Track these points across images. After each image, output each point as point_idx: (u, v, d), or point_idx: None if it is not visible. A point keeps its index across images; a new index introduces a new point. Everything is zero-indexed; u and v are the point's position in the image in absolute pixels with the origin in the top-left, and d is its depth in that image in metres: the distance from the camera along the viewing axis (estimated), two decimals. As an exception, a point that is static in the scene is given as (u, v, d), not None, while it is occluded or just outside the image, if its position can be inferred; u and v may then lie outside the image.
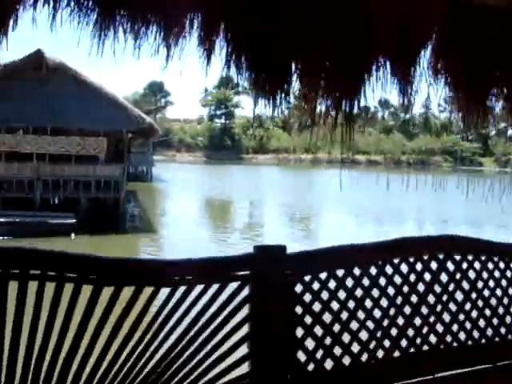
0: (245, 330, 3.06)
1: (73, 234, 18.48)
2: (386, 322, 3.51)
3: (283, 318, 3.15)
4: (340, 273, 3.36)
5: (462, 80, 4.22)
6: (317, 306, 3.28)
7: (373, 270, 3.50)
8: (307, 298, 3.24)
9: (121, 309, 2.75)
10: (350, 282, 3.40)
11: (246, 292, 3.04)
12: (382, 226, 24.67)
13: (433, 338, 3.71)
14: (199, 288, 2.91)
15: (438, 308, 3.76)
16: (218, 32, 3.43)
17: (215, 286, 2.95)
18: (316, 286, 3.26)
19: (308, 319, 3.24)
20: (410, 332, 3.61)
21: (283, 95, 3.61)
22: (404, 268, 3.62)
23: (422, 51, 3.87)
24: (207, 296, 2.93)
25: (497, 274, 4.05)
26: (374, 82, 3.61)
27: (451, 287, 3.83)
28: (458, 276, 3.85)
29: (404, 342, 3.58)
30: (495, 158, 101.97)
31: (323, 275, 3.29)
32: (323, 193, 39.35)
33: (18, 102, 20.43)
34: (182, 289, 2.86)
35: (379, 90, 3.65)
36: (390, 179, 45.83)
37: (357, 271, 3.43)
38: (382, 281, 3.52)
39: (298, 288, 3.21)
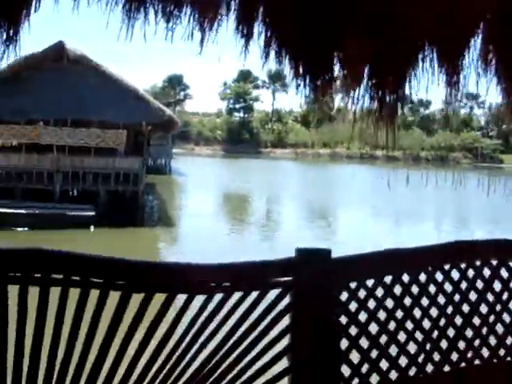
0: (285, 341, 2.79)
1: (92, 227, 18.37)
2: (435, 334, 3.22)
3: (327, 328, 2.86)
4: (388, 279, 3.07)
5: None
6: (362, 316, 2.99)
7: (422, 277, 3.20)
8: (353, 306, 2.96)
9: (152, 317, 2.49)
10: (397, 290, 3.11)
11: (287, 300, 2.76)
12: (406, 223, 24.24)
13: (485, 352, 3.41)
14: (237, 296, 2.64)
15: (491, 319, 3.45)
16: (256, 16, 3.16)
17: (254, 294, 2.68)
18: (362, 293, 2.98)
19: (353, 330, 2.96)
20: (461, 345, 3.31)
21: (325, 85, 3.34)
22: (455, 275, 3.32)
23: (471, 40, 3.59)
24: (245, 304, 2.66)
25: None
26: (420, 73, 3.34)
27: (505, 296, 3.52)
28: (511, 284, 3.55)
29: (455, 356, 3.29)
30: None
31: (370, 282, 3.00)
32: (343, 188, 38.97)
33: (38, 94, 20.35)
34: (219, 297, 2.59)
35: (425, 82, 3.38)
36: (409, 175, 45.23)
37: (405, 278, 3.14)
38: (432, 288, 3.23)
39: (344, 296, 2.93)
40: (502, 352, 3.47)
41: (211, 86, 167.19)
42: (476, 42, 3.58)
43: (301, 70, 3.26)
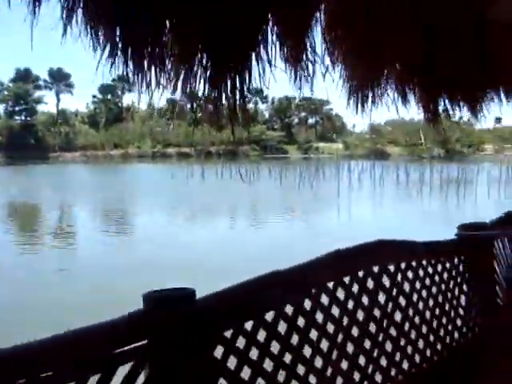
0: None
1: None
2: (329, 371, 2.53)
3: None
4: (269, 316, 2.29)
5: (359, 53, 3.61)
6: (246, 372, 2.17)
7: (307, 304, 2.48)
8: (232, 362, 2.11)
9: None
10: (282, 327, 2.34)
11: (144, 375, 1.82)
12: (205, 221, 23.69)
13: (378, 377, 2.83)
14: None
15: (380, 337, 2.88)
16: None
17: (94, 379, 1.69)
18: (241, 342, 2.15)
19: (236, 396, 2.12)
20: (356, 376, 2.69)
21: (156, 65, 2.42)
22: (340, 294, 2.67)
23: (316, 15, 3.11)
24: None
25: (427, 281, 3.32)
26: (263, 52, 2.67)
27: (389, 308, 2.97)
28: (394, 293, 3.02)
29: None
30: (298, 145, 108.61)
31: (249, 325, 2.19)
32: (138, 189, 37.70)
33: None
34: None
35: (272, 63, 2.73)
36: (204, 171, 45.77)
37: (289, 310, 2.38)
38: (319, 316, 2.53)
39: (218, 351, 2.07)
40: (392, 372, 2.95)
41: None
42: (321, 17, 3.11)
43: (119, 43, 2.30)
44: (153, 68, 2.37)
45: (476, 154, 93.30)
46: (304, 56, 2.98)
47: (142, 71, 2.33)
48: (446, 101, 4.59)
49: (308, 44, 2.99)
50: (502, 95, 5.12)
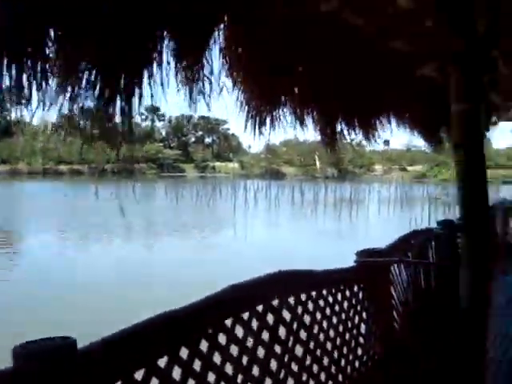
0: None
1: None
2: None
3: None
4: (162, 363, 2.06)
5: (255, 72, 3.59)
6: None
7: (204, 345, 2.28)
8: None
9: None
10: (176, 372, 2.12)
11: None
12: (97, 243, 22.61)
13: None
14: None
15: (282, 375, 2.72)
16: None
17: None
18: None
19: None
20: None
21: (38, 81, 2.17)
22: (239, 331, 2.49)
23: (215, 32, 3.05)
24: None
25: (328, 311, 3.22)
26: (158, 73, 2.53)
27: (290, 343, 2.83)
28: (295, 326, 2.89)
29: None
30: (195, 164, 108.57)
31: (140, 375, 1.95)
32: (26, 208, 35.69)
33: None
34: None
35: (167, 82, 2.61)
36: (98, 189, 44.36)
37: (184, 353, 2.17)
38: (217, 358, 2.33)
39: (104, 409, 1.81)
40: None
41: None
42: (220, 38, 3.01)
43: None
44: (34, 83, 2.10)
45: (367, 174, 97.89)
46: (201, 75, 2.85)
47: (20, 86, 2.05)
48: (343, 124, 4.63)
49: (206, 64, 2.87)
50: (393, 121, 5.31)
